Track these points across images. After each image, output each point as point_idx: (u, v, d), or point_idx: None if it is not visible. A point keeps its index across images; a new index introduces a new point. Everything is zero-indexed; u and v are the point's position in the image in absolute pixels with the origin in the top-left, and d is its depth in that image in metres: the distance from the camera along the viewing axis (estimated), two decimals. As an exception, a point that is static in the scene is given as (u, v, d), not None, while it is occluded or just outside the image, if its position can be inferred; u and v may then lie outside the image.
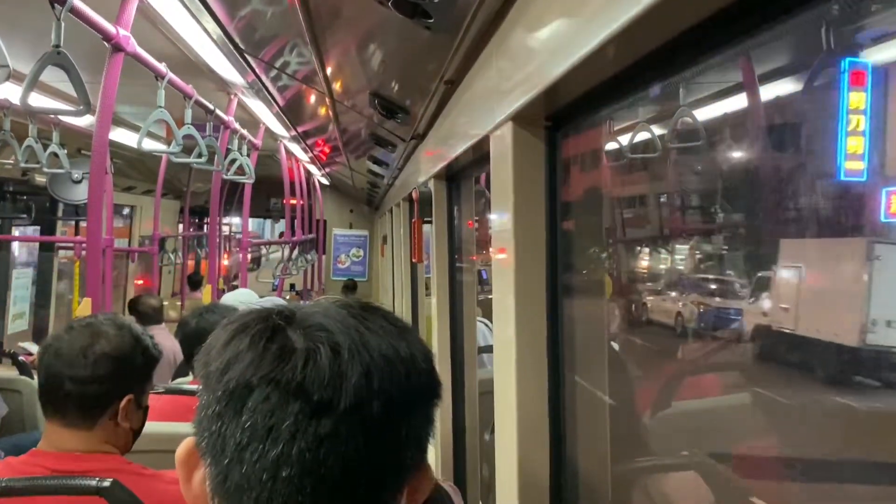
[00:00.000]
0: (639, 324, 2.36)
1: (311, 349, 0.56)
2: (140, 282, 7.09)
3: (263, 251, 10.08)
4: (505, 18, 1.14)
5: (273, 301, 3.32)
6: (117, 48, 2.13)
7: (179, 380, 3.05)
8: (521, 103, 1.08)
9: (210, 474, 0.57)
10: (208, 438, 0.57)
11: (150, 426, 2.13)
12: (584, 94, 0.98)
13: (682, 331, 2.19)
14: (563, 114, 1.11)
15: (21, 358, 3.86)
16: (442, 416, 2.50)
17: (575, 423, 1.31)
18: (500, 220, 1.28)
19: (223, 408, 0.56)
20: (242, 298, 3.50)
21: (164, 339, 4.23)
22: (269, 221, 11.54)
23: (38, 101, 2.94)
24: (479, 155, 1.70)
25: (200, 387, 0.60)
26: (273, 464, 0.54)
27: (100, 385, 1.36)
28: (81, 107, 1.89)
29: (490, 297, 1.39)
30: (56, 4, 1.76)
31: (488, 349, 2.59)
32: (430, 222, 2.52)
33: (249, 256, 6.74)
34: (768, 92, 1.36)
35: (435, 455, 2.62)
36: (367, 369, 0.56)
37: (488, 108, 1.33)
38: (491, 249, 1.37)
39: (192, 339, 2.45)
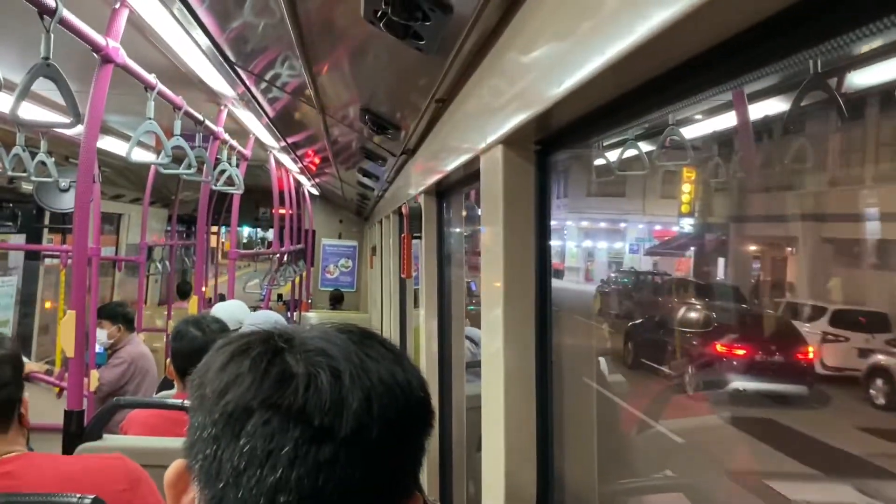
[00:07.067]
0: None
1: (311, 374, 0.55)
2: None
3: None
4: (497, 42, 1.14)
5: (267, 317, 3.29)
6: (107, 59, 2.12)
7: (163, 392, 3.03)
8: (511, 126, 1.08)
9: (202, 498, 0.56)
10: (202, 461, 0.56)
11: (138, 440, 2.13)
12: (575, 120, 0.99)
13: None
14: (553, 138, 1.11)
15: None
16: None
17: (563, 438, 1.31)
18: (490, 239, 1.29)
19: (220, 431, 0.55)
20: (234, 311, 3.45)
21: (145, 348, 4.18)
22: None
23: (28, 112, 2.93)
24: (470, 172, 1.70)
25: (194, 409, 0.58)
26: (271, 489, 0.53)
27: (3, 388, 1.41)
28: (71, 119, 1.87)
29: (479, 307, 1.40)
30: (45, 16, 1.74)
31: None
32: (419, 237, 2.52)
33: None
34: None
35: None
36: (368, 395, 0.56)
37: (478, 128, 1.34)
38: (481, 268, 1.37)
39: (191, 353, 2.33)
